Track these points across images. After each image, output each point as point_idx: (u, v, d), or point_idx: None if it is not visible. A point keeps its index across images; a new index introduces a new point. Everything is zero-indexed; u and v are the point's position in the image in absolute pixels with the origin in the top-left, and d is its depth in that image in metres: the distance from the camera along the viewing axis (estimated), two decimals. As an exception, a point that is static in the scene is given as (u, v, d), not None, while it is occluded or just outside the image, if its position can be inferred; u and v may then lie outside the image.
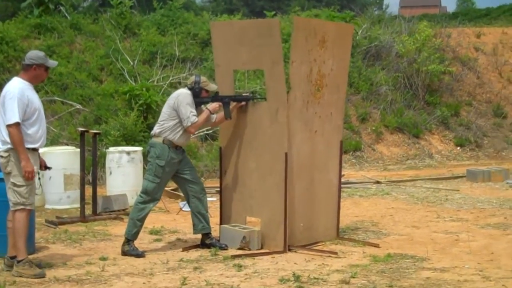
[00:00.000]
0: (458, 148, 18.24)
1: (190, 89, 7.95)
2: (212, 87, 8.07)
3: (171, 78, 16.39)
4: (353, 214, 10.29)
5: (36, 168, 7.04)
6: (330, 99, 8.43)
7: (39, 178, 7.22)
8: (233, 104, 8.12)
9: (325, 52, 8.25)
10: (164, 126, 7.84)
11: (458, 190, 12.47)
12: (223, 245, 8.00)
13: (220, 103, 8.02)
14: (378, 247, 8.11)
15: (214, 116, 8.08)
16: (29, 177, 6.89)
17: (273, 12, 22.57)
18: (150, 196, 7.84)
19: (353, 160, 16.57)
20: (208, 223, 8.10)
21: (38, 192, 7.34)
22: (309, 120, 8.19)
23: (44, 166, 7.46)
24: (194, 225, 8.11)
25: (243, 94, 8.66)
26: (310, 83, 8.14)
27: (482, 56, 21.89)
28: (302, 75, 8.04)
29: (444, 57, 20.31)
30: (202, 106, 7.99)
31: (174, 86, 15.91)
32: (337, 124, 8.61)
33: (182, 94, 7.90)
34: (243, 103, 8.18)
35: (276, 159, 7.89)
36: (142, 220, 7.83)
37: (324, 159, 8.43)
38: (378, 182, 13.40)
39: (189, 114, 7.75)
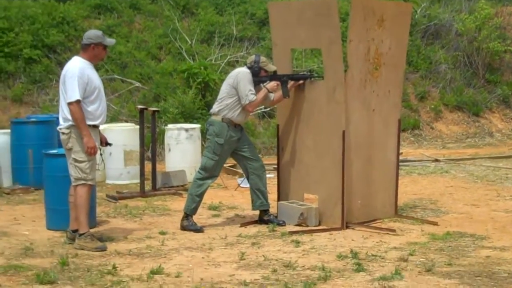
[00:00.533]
0: (519, 127, 17.92)
1: (249, 68, 7.96)
2: (271, 67, 8.05)
3: (228, 57, 16.41)
4: (411, 192, 10.20)
5: (97, 144, 7.15)
6: (388, 78, 8.36)
7: (101, 154, 7.34)
8: (291, 83, 8.10)
9: (383, 31, 8.17)
10: (223, 103, 7.86)
11: (521, 169, 12.25)
12: (281, 222, 8.03)
13: (278, 82, 8.00)
14: (437, 225, 8.04)
15: (272, 95, 8.07)
16: (91, 153, 7.02)
17: (331, -9, 22.36)
18: (208, 173, 7.89)
19: (411, 138, 16.39)
20: (266, 199, 8.13)
21: (100, 167, 7.46)
22: (367, 99, 8.14)
23: (105, 143, 7.58)
24: (252, 201, 8.15)
25: (301, 73, 8.62)
26: (368, 62, 8.08)
27: (544, 33, 21.35)
28: (360, 54, 7.99)
29: (505, 36, 19.87)
30: (261, 84, 7.99)
31: (232, 64, 15.93)
32: (395, 102, 8.53)
33: (242, 73, 7.91)
34: (301, 81, 8.16)
35: (333, 137, 7.87)
36: (200, 195, 7.90)
37: (382, 137, 8.37)
38: (436, 160, 13.22)
39: (248, 92, 7.76)
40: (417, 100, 17.70)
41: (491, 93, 18.45)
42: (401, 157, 10.30)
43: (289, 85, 8.07)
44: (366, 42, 8.02)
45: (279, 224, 7.96)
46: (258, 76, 7.95)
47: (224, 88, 7.95)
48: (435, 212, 8.84)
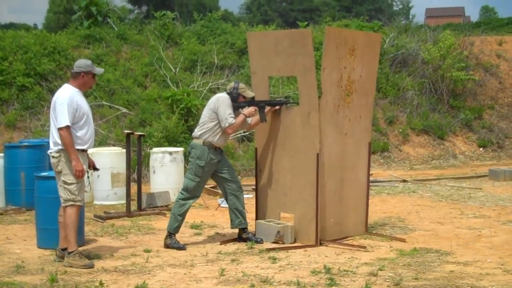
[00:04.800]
0: (481, 149, 18.04)
1: (228, 93, 7.97)
2: (249, 94, 8.07)
3: (210, 84, 16.45)
4: (381, 210, 10.22)
5: (85, 167, 7.12)
6: (359, 103, 8.39)
7: (88, 177, 7.31)
8: (268, 108, 8.13)
9: (354, 59, 8.21)
10: (204, 127, 7.86)
11: (480, 189, 12.30)
12: (259, 239, 8.01)
13: (256, 108, 8.03)
14: (405, 241, 8.04)
15: (250, 119, 8.08)
16: (79, 176, 6.98)
17: (306, 23, 22.50)
18: (190, 194, 7.87)
19: (381, 160, 16.46)
20: (244, 218, 8.11)
21: (87, 189, 7.42)
22: (340, 123, 8.17)
23: (93, 167, 7.54)
24: (231, 220, 8.12)
25: (277, 99, 8.64)
26: (340, 89, 8.12)
27: (504, 62, 21.58)
28: (333, 81, 8.02)
29: (467, 64, 20.08)
30: (240, 109, 8.01)
31: (213, 91, 15.95)
32: (365, 127, 8.57)
33: (222, 98, 7.93)
34: (277, 107, 8.18)
35: (308, 159, 7.88)
36: (183, 215, 7.87)
37: (354, 159, 8.39)
38: (404, 181, 13.28)
39: (227, 115, 7.77)
40: (386, 124, 17.81)
41: (454, 117, 18.62)
42: (371, 178, 10.31)
43: (266, 110, 8.10)
44: (338, 70, 8.06)
45: (257, 242, 7.94)
46: (237, 102, 7.97)
47: (205, 113, 7.95)
48: (403, 229, 8.86)
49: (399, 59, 19.75)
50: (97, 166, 7.66)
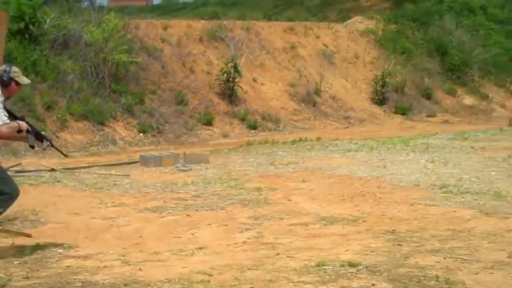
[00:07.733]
0: (141, 134, 18.36)
1: None
2: (24, 80, 6.92)
3: None
4: (16, 203, 9.77)
5: None
6: None
7: None
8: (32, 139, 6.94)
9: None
10: None
11: (128, 175, 12.33)
12: None
13: (28, 128, 6.72)
14: (30, 236, 7.72)
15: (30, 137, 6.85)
16: None
17: None
18: None
19: (37, 149, 15.91)
20: None
21: None
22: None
23: None
24: None
25: (44, 133, 7.42)
26: None
27: (168, 47, 22.25)
28: None
29: (131, 47, 20.31)
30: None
31: None
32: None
33: None
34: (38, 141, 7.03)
35: None
36: None
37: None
38: (53, 170, 12.90)
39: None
40: (44, 110, 17.30)
41: (116, 102, 18.76)
42: (18, 168, 9.87)
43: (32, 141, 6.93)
44: None
45: None
46: (8, 87, 6.80)
47: None
48: (34, 223, 8.51)
49: (60, 41, 19.35)
50: None
